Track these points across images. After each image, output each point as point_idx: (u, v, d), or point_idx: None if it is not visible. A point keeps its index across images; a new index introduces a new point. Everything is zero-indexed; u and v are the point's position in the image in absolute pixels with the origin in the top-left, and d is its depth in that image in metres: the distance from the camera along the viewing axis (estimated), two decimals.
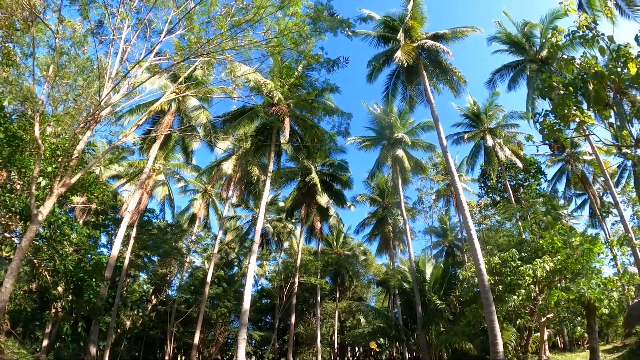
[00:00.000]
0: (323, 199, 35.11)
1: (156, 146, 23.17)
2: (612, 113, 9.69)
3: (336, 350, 45.61)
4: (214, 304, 35.05)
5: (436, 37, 24.24)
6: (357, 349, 58.58)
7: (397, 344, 38.20)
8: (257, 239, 24.05)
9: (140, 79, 12.40)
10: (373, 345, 44.71)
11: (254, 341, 45.44)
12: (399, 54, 22.31)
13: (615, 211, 22.87)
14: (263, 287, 46.67)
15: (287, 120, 25.46)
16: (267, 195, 25.85)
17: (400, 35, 23.54)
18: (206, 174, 34.53)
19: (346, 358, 54.80)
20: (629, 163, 34.52)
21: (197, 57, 13.95)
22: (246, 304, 20.14)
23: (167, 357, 32.50)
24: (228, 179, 30.26)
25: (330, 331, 46.01)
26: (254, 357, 52.98)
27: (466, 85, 25.71)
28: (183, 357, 47.80)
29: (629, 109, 10.02)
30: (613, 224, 36.88)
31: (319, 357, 34.79)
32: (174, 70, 16.30)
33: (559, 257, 17.36)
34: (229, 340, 40.91)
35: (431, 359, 26.89)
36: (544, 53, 24.99)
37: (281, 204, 41.10)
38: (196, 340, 29.36)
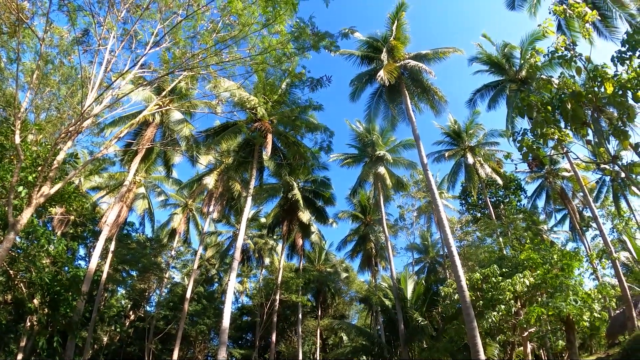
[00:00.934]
0: (305, 216, 34.98)
1: (138, 159, 22.78)
2: (589, 131, 10.05)
3: None
4: (194, 321, 34.12)
5: (418, 57, 24.82)
6: None
7: None
8: (238, 255, 23.74)
9: (124, 90, 12.23)
10: None
11: (234, 359, 44.33)
12: (381, 73, 22.72)
13: (594, 225, 23.51)
14: (243, 305, 45.78)
15: (269, 136, 25.60)
16: (248, 211, 25.67)
17: (384, 55, 24.03)
18: (187, 188, 34.05)
19: None
20: (608, 178, 35.85)
21: (182, 70, 13.98)
22: (226, 321, 19.70)
23: None
24: (209, 193, 29.91)
25: (312, 349, 45.26)
26: None
27: (447, 104, 26.35)
28: None
29: (606, 126, 10.38)
30: (593, 238, 37.84)
31: None
32: (158, 83, 16.19)
33: (539, 272, 17.71)
34: (209, 358, 39.79)
35: None
36: (524, 73, 25.79)
37: (263, 220, 40.76)
38: (175, 357, 28.47)
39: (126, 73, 11.72)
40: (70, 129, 9.72)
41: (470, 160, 32.66)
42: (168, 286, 37.22)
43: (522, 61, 25.35)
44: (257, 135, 25.02)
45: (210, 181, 29.27)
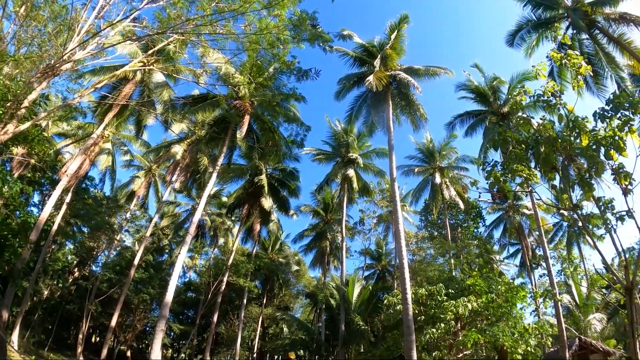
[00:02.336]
0: (267, 203, 34.81)
1: (111, 114, 21.83)
2: (557, 176, 10.51)
3: (255, 356, 44.92)
4: (138, 289, 33.09)
5: (410, 71, 25.08)
6: (276, 357, 58.06)
7: (316, 358, 38.34)
8: (192, 230, 23.36)
9: (111, 41, 11.64)
10: (292, 355, 44.51)
11: (172, 334, 43.57)
12: (371, 78, 22.77)
13: (544, 264, 24.73)
14: (191, 281, 45.00)
15: (247, 117, 25.34)
16: (211, 188, 25.32)
17: (377, 62, 24.12)
18: (154, 152, 32.98)
19: None
20: (565, 224, 37.75)
21: (174, 33, 13.56)
22: (169, 295, 19.34)
23: (81, 336, 30.24)
24: (175, 162, 29.13)
25: (251, 335, 45.24)
26: (170, 350, 50.80)
27: (427, 122, 26.86)
28: (98, 339, 44.89)
29: (574, 175, 10.85)
30: (540, 276, 39.55)
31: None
32: (147, 41, 15.56)
33: (483, 299, 18.46)
34: (147, 329, 38.86)
35: None
36: (506, 109, 26.54)
37: (224, 199, 40.19)
38: (113, 322, 27.73)
39: (118, 23, 11.19)
40: (48, 69, 9.16)
41: (438, 180, 33.47)
42: (117, 249, 35.97)
43: (509, 97, 26.14)
44: (234, 113, 24.72)
45: (178, 150, 28.53)
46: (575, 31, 21.24)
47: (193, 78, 21.07)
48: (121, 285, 30.06)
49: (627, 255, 7.81)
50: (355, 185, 33.21)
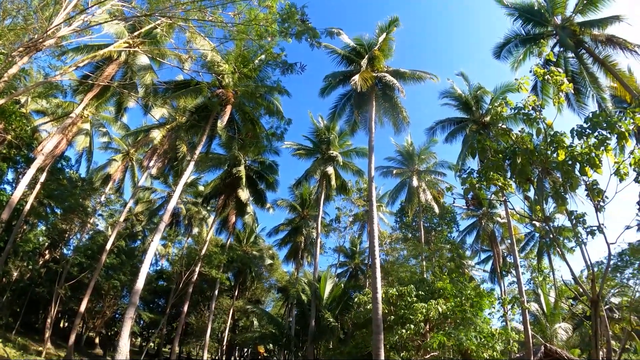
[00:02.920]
0: (244, 194, 34.59)
1: (91, 94, 21.14)
2: (532, 187, 10.81)
3: (224, 348, 44.65)
4: (108, 275, 32.26)
5: (396, 74, 25.25)
6: (245, 350, 57.89)
7: (285, 352, 38.36)
8: (167, 218, 23.02)
9: (98, 19, 11.30)
10: (261, 349, 44.55)
11: (142, 322, 42.86)
12: (357, 78, 22.81)
13: (514, 272, 25.50)
14: (163, 269, 44.44)
15: (229, 107, 25.19)
16: (188, 175, 25.01)
17: (364, 62, 24.19)
18: (133, 136, 32.12)
19: (233, 357, 53.84)
20: (537, 235, 38.82)
21: (162, 16, 13.33)
22: (140, 282, 19.01)
23: (49, 320, 29.34)
24: (154, 148, 28.54)
25: (221, 327, 44.91)
26: (139, 339, 49.92)
27: (408, 125, 27.13)
28: (66, 324, 43.66)
29: (549, 188, 11.18)
30: (510, 284, 40.67)
31: (206, 352, 33.75)
32: (135, 22, 15.16)
33: (452, 303, 18.87)
34: (117, 316, 38.00)
35: None
36: (487, 118, 26.95)
37: (201, 188, 39.65)
38: (83, 308, 26.93)
39: (106, 1, 10.84)
40: (31, 44, 8.79)
41: (415, 183, 33.94)
42: (90, 232, 34.94)
43: (490, 107, 26.66)
44: (217, 102, 24.52)
45: (157, 135, 27.97)
46: (562, 49, 21.74)
47: (178, 63, 20.66)
48: (92, 270, 29.27)
49: (595, 269, 8.13)
50: (333, 182, 33.32)
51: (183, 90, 24.06)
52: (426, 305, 18.44)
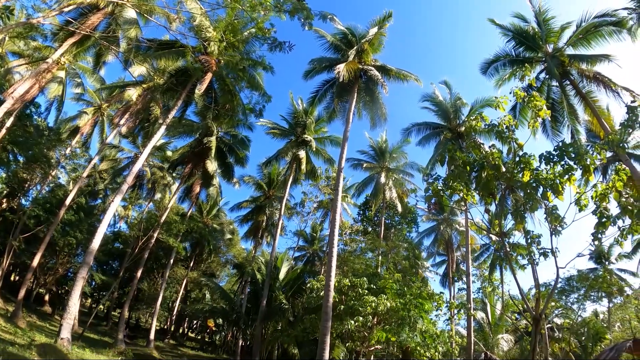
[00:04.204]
0: (212, 166, 34.14)
1: (71, 40, 20.02)
2: (494, 202, 11.25)
3: (174, 317, 44.32)
4: (65, 231, 30.83)
5: (382, 69, 25.33)
6: (195, 322, 57.67)
7: (234, 329, 38.46)
8: (130, 179, 22.49)
9: None
10: (211, 323, 44.56)
11: (94, 283, 41.66)
12: (342, 67, 22.72)
13: (465, 279, 26.56)
14: (120, 231, 43.10)
15: (210, 74, 24.78)
16: (158, 138, 24.50)
17: (352, 52, 24.12)
18: (108, 91, 30.73)
19: (182, 328, 53.57)
20: (492, 247, 40.32)
21: None
22: (96, 242, 18.56)
23: (0, 272, 28.00)
24: (127, 105, 27.44)
25: (173, 297, 44.55)
26: (90, 300, 48.68)
27: (385, 122, 27.45)
28: (17, 277, 41.88)
29: (510, 205, 11.66)
30: (460, 290, 42.33)
31: (155, 319, 33.38)
32: None
33: (401, 300, 19.46)
34: (69, 274, 36.55)
35: (261, 353, 27.70)
36: (462, 129, 27.55)
37: (169, 153, 38.66)
38: (35, 262, 25.83)
39: None
40: None
41: (383, 179, 34.48)
42: (51, 185, 33.29)
43: (467, 119, 27.33)
44: (198, 68, 23.86)
45: (133, 94, 26.88)
46: (547, 76, 22.36)
47: (165, 22, 19.91)
48: (49, 224, 27.97)
49: (542, 289, 8.64)
50: (303, 167, 33.26)
51: (166, 51, 23.31)
52: (375, 299, 18.96)
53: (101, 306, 45.25)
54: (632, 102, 9.40)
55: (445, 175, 11.21)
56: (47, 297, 39.50)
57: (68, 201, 27.27)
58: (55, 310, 36.85)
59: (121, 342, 25.95)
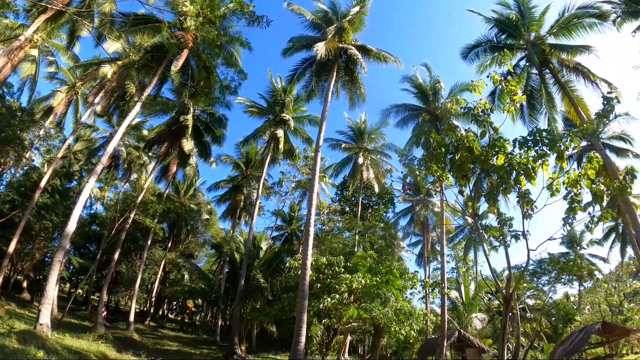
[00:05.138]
0: (188, 145, 33.60)
1: (44, 16, 18.98)
2: (469, 184, 11.49)
3: (153, 299, 44.04)
4: (40, 215, 29.76)
5: (362, 49, 25.17)
6: (174, 303, 57.46)
7: (213, 309, 38.56)
8: (105, 159, 21.90)
9: None
10: (190, 304, 44.55)
11: (72, 267, 40.68)
12: (321, 46, 22.48)
13: (440, 259, 27.23)
14: (97, 213, 42.09)
15: (186, 51, 24.25)
16: (133, 117, 23.90)
17: (331, 31, 23.77)
18: (82, 69, 29.29)
19: (161, 309, 53.33)
20: (467, 229, 41.35)
21: None
22: (72, 224, 18.14)
23: None
24: (102, 84, 26.43)
25: (152, 279, 44.23)
26: (68, 285, 47.70)
27: (364, 102, 27.41)
28: None
29: (486, 188, 11.94)
30: (435, 269, 43.40)
31: (134, 301, 33.11)
32: None
33: (377, 279, 19.87)
34: (47, 259, 35.42)
35: (240, 332, 27.99)
36: (440, 112, 27.75)
37: (145, 132, 37.64)
38: (11, 249, 24.85)
39: None
40: None
41: (361, 160, 34.69)
42: (25, 168, 31.94)
43: (444, 102, 27.53)
44: (174, 43, 23.18)
45: (108, 71, 25.91)
46: (528, 64, 22.52)
47: None
48: (24, 208, 26.95)
49: (513, 271, 9.00)
50: (281, 146, 33.03)
51: (141, 26, 22.50)
52: (351, 277, 19.33)
53: (80, 290, 44.46)
54: (608, 93, 9.64)
55: (420, 157, 11.34)
56: (25, 284, 38.51)
57: (43, 183, 26.34)
58: (34, 297, 36.02)
59: (101, 325, 25.70)
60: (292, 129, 33.94)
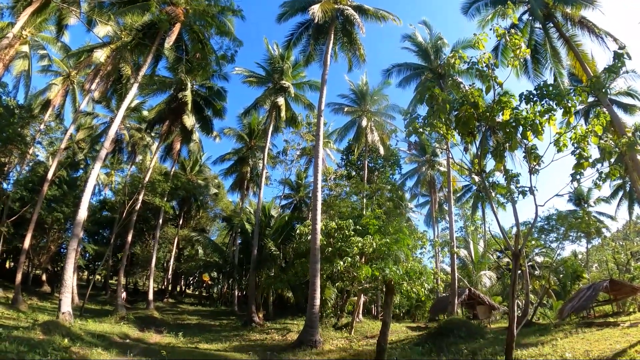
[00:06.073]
0: (190, 121, 33.44)
1: (30, 9, 18.54)
2: (475, 142, 11.34)
3: (169, 277, 45.15)
4: (51, 207, 30.12)
5: (359, 9, 24.34)
6: (191, 278, 58.93)
7: (229, 280, 39.41)
8: (108, 144, 21.92)
9: None
10: (206, 277, 45.62)
11: (88, 255, 41.61)
12: (316, 7, 21.77)
13: (448, 219, 27.32)
14: (106, 199, 42.62)
15: (178, 25, 23.78)
16: (131, 98, 23.86)
17: None
18: (75, 57, 28.75)
19: (179, 286, 54.77)
20: (474, 187, 41.19)
21: None
22: (82, 212, 18.42)
23: None
24: (97, 69, 26.00)
25: (167, 257, 45.10)
26: (86, 272, 48.92)
27: (364, 64, 26.77)
28: (12, 264, 41.58)
29: (492, 144, 11.78)
30: (443, 229, 43.63)
31: (152, 280, 34.03)
32: None
33: (387, 239, 20.12)
34: (62, 250, 36.19)
35: (257, 300, 28.82)
36: (443, 70, 27.02)
37: (145, 113, 37.35)
38: (27, 244, 25.33)
39: None
40: None
41: (365, 123, 34.28)
42: (30, 164, 32.04)
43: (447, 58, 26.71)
44: (165, 19, 22.64)
45: (101, 56, 25.43)
46: (531, 18, 21.58)
47: None
48: (34, 203, 27.26)
49: (521, 227, 9.05)
50: (283, 114, 32.61)
51: (130, 6, 21.85)
52: (362, 240, 19.59)
53: (98, 276, 45.41)
54: (619, 48, 9.31)
55: (424, 115, 11.12)
56: (44, 277, 39.55)
57: (50, 176, 26.54)
58: (54, 289, 36.98)
59: (121, 307, 26.52)
60: (293, 95, 33.41)
